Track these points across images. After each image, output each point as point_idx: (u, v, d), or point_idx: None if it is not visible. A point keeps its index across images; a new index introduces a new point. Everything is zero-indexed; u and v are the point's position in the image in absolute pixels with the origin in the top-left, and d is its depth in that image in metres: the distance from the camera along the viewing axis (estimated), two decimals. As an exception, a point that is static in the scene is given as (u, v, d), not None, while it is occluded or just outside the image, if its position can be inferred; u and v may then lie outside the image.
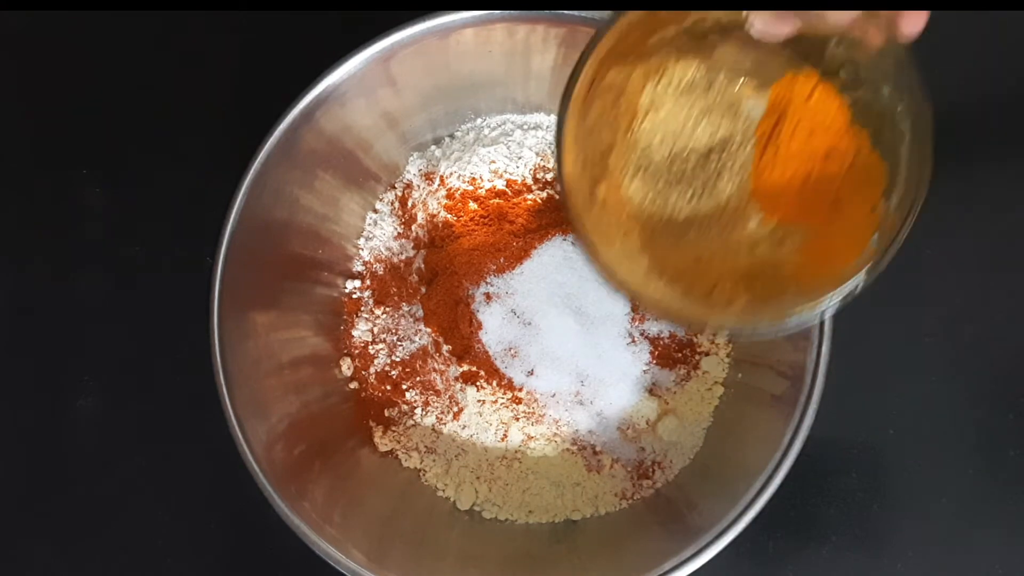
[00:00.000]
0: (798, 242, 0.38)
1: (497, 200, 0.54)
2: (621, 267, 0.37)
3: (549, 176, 0.54)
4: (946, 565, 0.54)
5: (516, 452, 0.54)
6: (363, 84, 0.48)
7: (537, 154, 0.54)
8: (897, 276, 0.55)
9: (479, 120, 0.56)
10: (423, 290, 0.55)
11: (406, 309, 0.55)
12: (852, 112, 0.36)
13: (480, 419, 0.53)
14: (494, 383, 0.53)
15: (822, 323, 0.44)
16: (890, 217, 0.35)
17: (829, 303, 0.35)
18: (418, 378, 0.54)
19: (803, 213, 0.37)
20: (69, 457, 0.57)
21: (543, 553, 0.52)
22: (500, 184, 0.54)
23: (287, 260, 0.52)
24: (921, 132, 0.34)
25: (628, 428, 0.53)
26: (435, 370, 0.54)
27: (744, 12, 0.30)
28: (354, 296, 0.56)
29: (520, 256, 0.52)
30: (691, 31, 0.35)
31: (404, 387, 0.54)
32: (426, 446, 0.54)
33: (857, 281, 0.34)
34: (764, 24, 0.29)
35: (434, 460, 0.54)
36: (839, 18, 0.26)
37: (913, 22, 0.29)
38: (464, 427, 0.54)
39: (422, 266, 0.55)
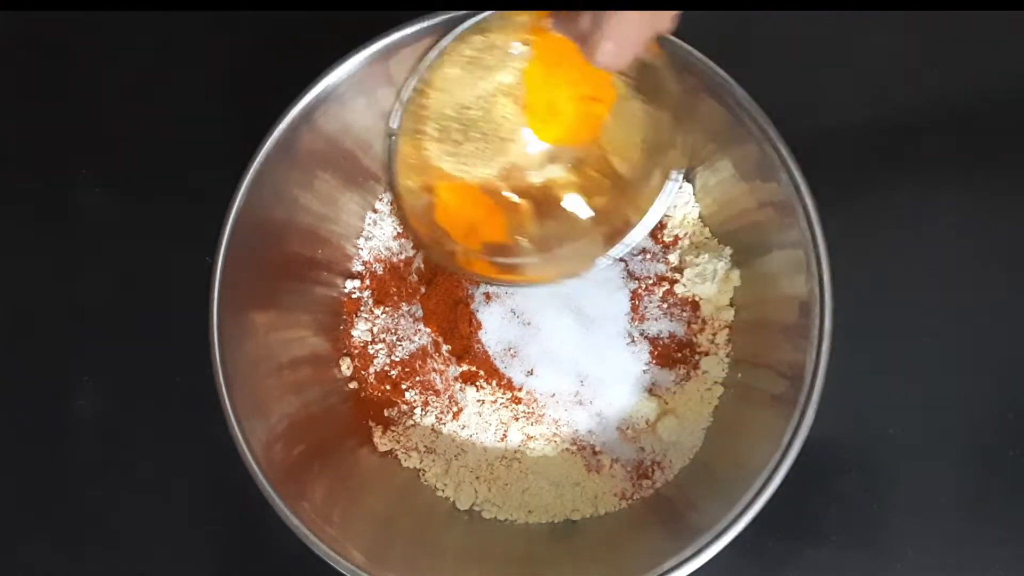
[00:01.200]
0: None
1: (497, 200, 0.54)
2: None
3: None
4: (946, 565, 0.54)
5: (516, 452, 0.54)
6: (363, 84, 0.48)
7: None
8: (897, 276, 0.56)
9: (479, 120, 0.56)
10: (423, 290, 0.55)
11: (406, 309, 0.55)
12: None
13: (480, 419, 0.53)
14: (494, 383, 0.53)
15: (822, 323, 0.44)
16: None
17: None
18: (418, 378, 0.54)
19: (573, 138, 0.44)
20: (68, 457, 0.57)
21: (543, 553, 0.52)
22: (500, 184, 0.54)
23: (286, 260, 0.52)
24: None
25: (628, 428, 0.53)
26: (435, 370, 0.54)
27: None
28: (354, 296, 0.56)
29: (520, 256, 0.52)
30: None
31: (404, 387, 0.54)
32: (426, 446, 0.54)
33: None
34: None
35: (433, 460, 0.54)
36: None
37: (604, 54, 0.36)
38: (464, 427, 0.54)
39: (422, 266, 0.55)
